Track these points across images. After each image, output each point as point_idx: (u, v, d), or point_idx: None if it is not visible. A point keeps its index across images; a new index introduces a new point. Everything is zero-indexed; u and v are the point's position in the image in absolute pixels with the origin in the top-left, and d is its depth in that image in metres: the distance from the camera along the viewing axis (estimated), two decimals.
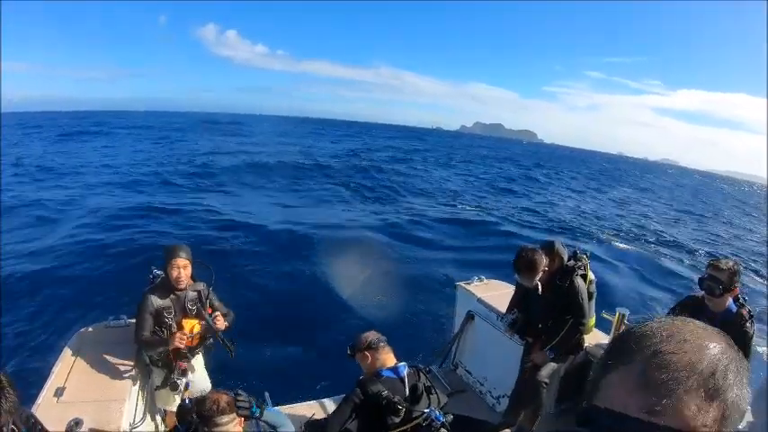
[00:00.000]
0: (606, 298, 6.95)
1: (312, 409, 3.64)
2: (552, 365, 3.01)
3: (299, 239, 10.68)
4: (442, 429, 1.94)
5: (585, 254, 3.09)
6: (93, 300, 6.81)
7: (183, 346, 2.74)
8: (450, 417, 1.98)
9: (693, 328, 0.57)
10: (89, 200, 12.65)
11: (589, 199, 24.08)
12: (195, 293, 2.93)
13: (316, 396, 4.03)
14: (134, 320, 3.00)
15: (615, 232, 15.66)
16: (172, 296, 2.88)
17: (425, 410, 1.97)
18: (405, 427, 1.94)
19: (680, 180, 69.13)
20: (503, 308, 3.58)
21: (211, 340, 3.02)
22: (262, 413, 2.00)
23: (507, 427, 3.14)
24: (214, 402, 1.78)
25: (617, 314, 3.47)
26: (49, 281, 7.49)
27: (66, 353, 2.97)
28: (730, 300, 2.60)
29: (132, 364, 2.96)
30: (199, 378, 3.15)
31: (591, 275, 3.05)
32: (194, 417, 1.78)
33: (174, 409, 2.75)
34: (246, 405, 1.89)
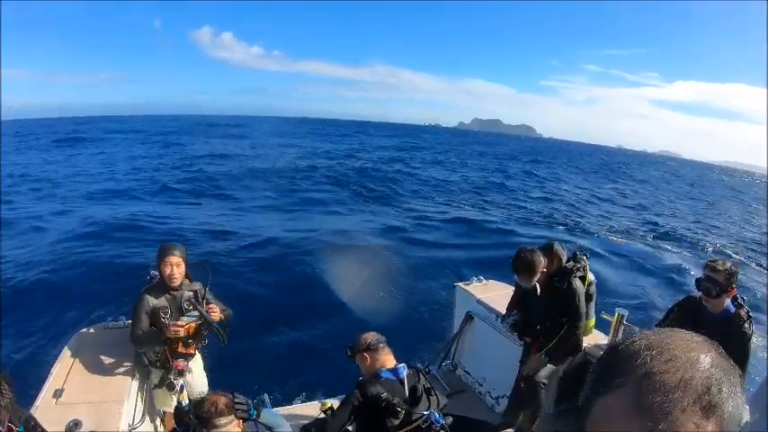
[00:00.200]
0: (606, 296, 6.95)
1: (311, 411, 3.64)
2: (550, 366, 3.01)
3: (297, 242, 10.68)
4: (441, 431, 1.93)
5: (585, 255, 3.08)
6: (91, 302, 6.80)
7: (178, 335, 2.74)
8: (450, 419, 1.98)
9: (681, 340, 0.55)
10: (81, 210, 12.45)
11: (588, 193, 24.01)
12: (191, 293, 2.93)
13: (315, 397, 4.04)
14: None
15: (614, 226, 15.65)
16: (168, 296, 2.88)
17: (425, 413, 1.97)
18: (404, 430, 1.94)
19: (679, 171, 69.01)
20: (502, 308, 3.58)
21: (206, 332, 3.02)
22: (259, 415, 2.02)
23: (507, 428, 3.14)
24: (212, 404, 1.79)
25: (616, 315, 3.47)
26: (47, 284, 7.49)
27: (65, 354, 2.98)
28: (728, 300, 2.60)
29: (131, 365, 2.96)
30: (197, 380, 3.16)
31: (590, 277, 3.05)
32: (192, 418, 1.79)
33: (173, 410, 2.77)
34: (244, 407, 1.90)
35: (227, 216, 12.52)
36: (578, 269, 2.94)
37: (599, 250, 11.24)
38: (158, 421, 3.19)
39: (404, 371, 2.12)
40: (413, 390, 2.05)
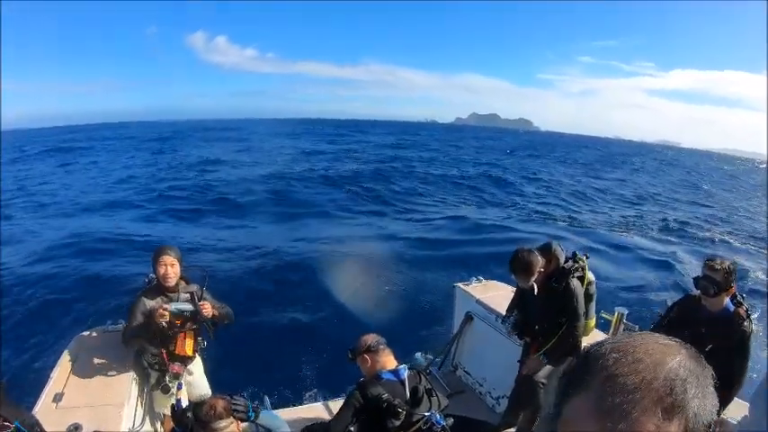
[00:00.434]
0: (607, 295, 6.94)
1: (312, 412, 3.67)
2: (549, 366, 3.01)
3: (296, 244, 10.69)
4: None
5: (585, 255, 3.08)
6: (90, 305, 6.83)
7: (164, 322, 2.74)
8: (451, 420, 1.98)
9: (650, 344, 0.56)
10: (71, 222, 12.31)
11: (586, 186, 23.92)
12: (188, 295, 2.94)
13: (316, 399, 4.04)
14: None
15: (614, 220, 15.64)
16: (164, 297, 2.89)
17: (426, 414, 1.97)
18: (405, 431, 1.94)
19: (678, 161, 68.88)
20: (501, 309, 3.59)
21: (201, 339, 3.03)
22: (257, 416, 2.03)
23: (507, 428, 3.14)
24: (211, 407, 1.81)
25: (616, 314, 3.47)
26: (46, 288, 7.52)
27: (65, 358, 2.98)
28: (727, 299, 2.60)
29: (131, 368, 2.96)
30: (198, 383, 3.16)
31: (590, 276, 3.04)
32: (191, 418, 1.82)
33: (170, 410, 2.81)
34: (242, 409, 1.92)
35: (225, 223, 12.47)
36: (577, 269, 2.94)
37: (599, 246, 11.22)
38: (159, 424, 3.20)
39: (405, 372, 2.12)
40: (414, 391, 2.05)
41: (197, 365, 3.18)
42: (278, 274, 8.57)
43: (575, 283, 2.87)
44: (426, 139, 57.38)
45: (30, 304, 7.04)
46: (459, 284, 4.48)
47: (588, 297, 3.01)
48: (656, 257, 10.71)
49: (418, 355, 3.77)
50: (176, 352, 2.93)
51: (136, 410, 2.87)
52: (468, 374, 4.32)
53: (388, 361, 2.18)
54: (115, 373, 2.90)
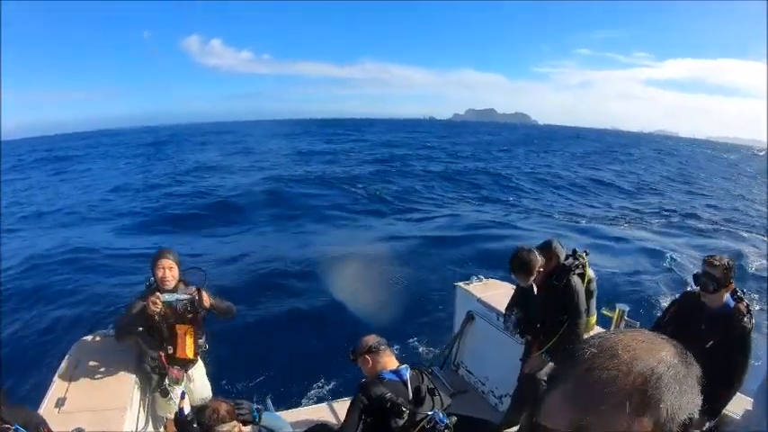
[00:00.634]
0: (608, 291, 6.92)
1: (314, 413, 3.67)
2: (551, 365, 3.01)
3: (297, 245, 10.69)
4: (446, 431, 1.93)
5: (585, 252, 3.09)
6: (91, 309, 6.86)
7: (157, 309, 2.75)
8: (454, 419, 1.98)
9: (632, 340, 0.57)
10: (67, 231, 12.29)
11: (585, 179, 23.84)
12: (187, 296, 2.93)
13: (318, 400, 4.05)
14: None
15: (614, 214, 15.62)
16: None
17: (429, 413, 1.97)
18: (409, 431, 1.94)
19: (676, 150, 68.61)
20: (502, 307, 3.59)
21: (203, 339, 3.04)
22: (260, 418, 2.04)
23: (510, 427, 3.14)
24: (214, 411, 1.81)
25: (617, 310, 3.47)
26: (46, 293, 7.55)
27: (67, 362, 2.98)
28: (727, 295, 2.61)
29: (133, 372, 2.97)
30: (199, 387, 3.16)
31: (590, 273, 3.05)
32: (195, 428, 1.81)
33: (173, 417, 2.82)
34: (246, 411, 1.93)
35: (223, 228, 12.42)
36: (577, 266, 2.95)
37: (599, 241, 11.17)
38: (162, 428, 3.21)
39: (407, 372, 2.13)
40: (416, 390, 2.05)
41: (199, 369, 3.18)
42: (277, 276, 8.57)
43: (575, 280, 2.88)
44: (424, 137, 57.17)
45: (30, 309, 7.07)
46: (460, 284, 4.48)
47: (589, 294, 3.02)
48: (657, 251, 10.66)
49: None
50: (177, 355, 2.93)
51: (138, 415, 2.88)
52: (471, 374, 4.33)
53: (390, 361, 2.18)
54: (117, 377, 2.91)
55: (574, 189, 20.80)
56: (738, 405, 2.76)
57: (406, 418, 1.96)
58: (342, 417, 3.19)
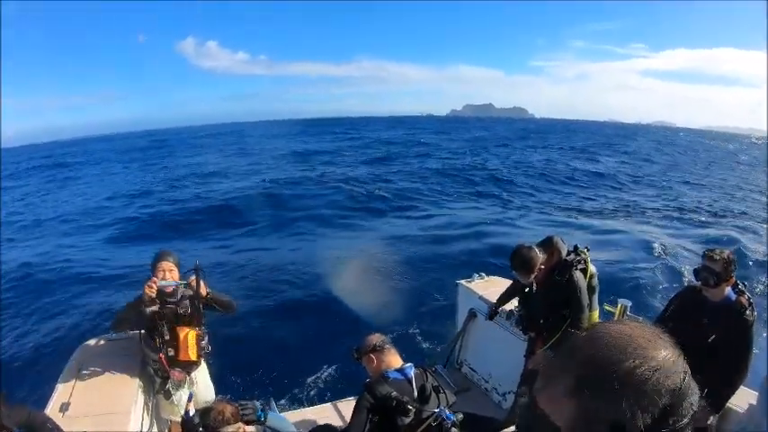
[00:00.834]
0: (610, 286, 6.92)
1: (319, 413, 3.67)
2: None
3: (297, 246, 10.70)
4: (453, 428, 1.93)
5: (586, 248, 3.10)
6: (92, 313, 6.87)
7: (153, 293, 2.77)
8: (461, 415, 1.98)
9: (612, 328, 0.59)
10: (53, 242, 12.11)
11: (584, 173, 23.77)
12: (186, 299, 2.96)
13: (322, 400, 4.06)
14: (136, 332, 3.05)
15: (616, 207, 15.60)
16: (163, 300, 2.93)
17: (435, 410, 1.97)
18: (418, 430, 1.94)
19: (675, 141, 68.50)
20: (505, 305, 3.61)
21: (205, 341, 3.02)
22: (266, 417, 2.04)
23: (514, 424, 3.14)
24: (219, 413, 1.82)
25: (619, 306, 3.48)
26: (48, 296, 7.55)
27: (70, 367, 2.99)
28: (728, 288, 2.61)
29: (137, 375, 2.98)
30: (203, 388, 3.17)
31: (592, 269, 3.06)
32: (201, 429, 1.81)
33: (179, 419, 2.82)
34: (250, 411, 1.94)
35: (224, 230, 12.39)
36: (579, 262, 2.96)
37: (600, 237, 11.13)
38: (166, 431, 3.21)
39: (411, 370, 2.13)
40: (421, 389, 2.06)
41: (202, 372, 3.18)
42: (278, 276, 8.57)
43: (577, 275, 2.90)
44: (422, 134, 56.99)
45: (32, 315, 7.08)
46: (462, 281, 4.49)
47: (591, 289, 3.03)
48: (654, 243, 10.66)
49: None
50: (180, 358, 2.93)
51: (143, 418, 2.88)
52: (474, 371, 4.34)
53: (394, 360, 2.18)
54: (121, 380, 2.92)
55: (571, 183, 20.75)
56: (743, 399, 2.76)
57: (412, 416, 1.96)
58: (346, 416, 3.19)
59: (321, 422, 2.91)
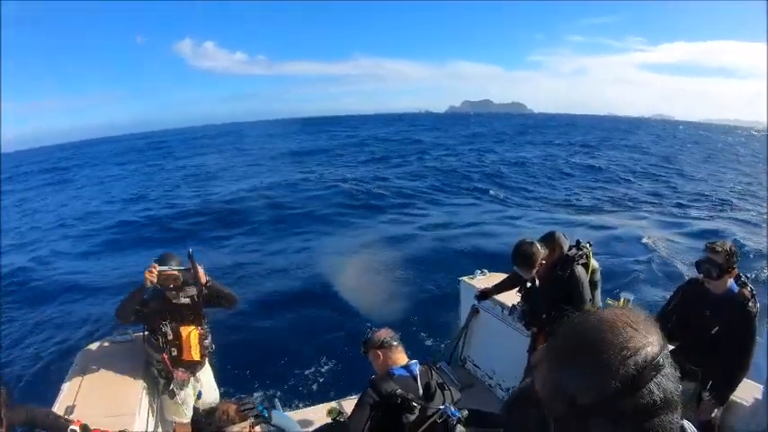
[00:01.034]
0: (612, 281, 6.92)
1: (322, 413, 3.69)
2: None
3: (298, 246, 10.69)
4: (458, 425, 1.94)
5: (588, 242, 3.10)
6: (94, 315, 6.87)
7: (153, 279, 2.78)
8: (466, 412, 1.98)
9: (605, 314, 0.60)
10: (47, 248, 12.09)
11: (583, 169, 23.71)
12: (188, 299, 2.97)
13: (326, 398, 4.06)
14: (139, 334, 3.06)
15: (617, 201, 15.59)
16: (162, 302, 2.95)
17: (440, 407, 1.98)
18: (423, 426, 1.94)
19: (675, 134, 68.40)
20: (507, 300, 3.62)
21: (209, 340, 3.03)
22: (270, 416, 2.06)
23: None
24: (224, 413, 1.82)
25: (621, 300, 3.48)
26: (50, 299, 7.56)
27: (75, 369, 3.00)
28: (731, 280, 2.60)
29: (141, 377, 2.98)
30: (207, 388, 3.18)
31: (594, 264, 3.07)
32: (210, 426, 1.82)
33: (184, 420, 2.82)
34: (251, 406, 1.93)
35: (225, 231, 12.35)
36: (581, 256, 2.96)
37: (602, 232, 11.12)
38: None
39: (416, 367, 2.13)
40: (426, 386, 2.06)
41: (206, 372, 3.19)
42: (279, 276, 8.59)
43: (579, 270, 2.90)
44: (420, 130, 56.87)
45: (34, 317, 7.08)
46: (464, 278, 4.49)
47: (593, 284, 3.04)
48: (654, 239, 10.67)
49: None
50: (183, 358, 2.93)
51: (148, 420, 2.89)
52: (477, 367, 4.35)
53: (400, 357, 2.18)
54: (125, 382, 2.92)
55: (570, 179, 20.74)
56: (748, 392, 2.76)
57: (417, 413, 1.96)
58: None
59: (326, 422, 2.92)
